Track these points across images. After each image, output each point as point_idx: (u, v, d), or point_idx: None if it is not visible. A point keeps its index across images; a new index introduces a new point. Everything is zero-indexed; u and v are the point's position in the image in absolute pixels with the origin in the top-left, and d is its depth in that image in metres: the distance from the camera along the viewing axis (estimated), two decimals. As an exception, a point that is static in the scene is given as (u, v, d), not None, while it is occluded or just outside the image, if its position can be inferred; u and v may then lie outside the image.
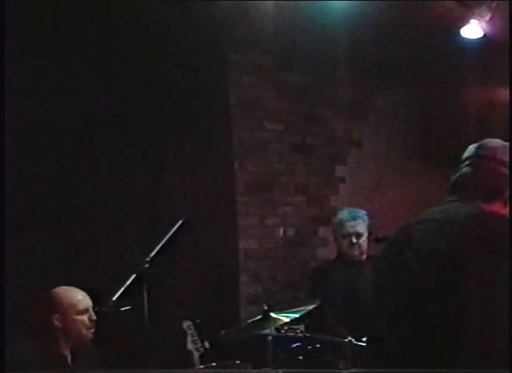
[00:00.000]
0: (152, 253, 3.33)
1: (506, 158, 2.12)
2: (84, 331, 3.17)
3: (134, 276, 3.25)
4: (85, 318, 3.17)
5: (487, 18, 4.37)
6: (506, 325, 1.80)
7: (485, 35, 4.49)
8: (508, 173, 2.10)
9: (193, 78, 4.67)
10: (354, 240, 4.42)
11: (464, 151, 2.26)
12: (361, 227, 4.45)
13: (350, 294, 4.29)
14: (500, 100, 5.42)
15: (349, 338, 3.65)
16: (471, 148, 2.22)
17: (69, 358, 3.21)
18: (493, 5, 4.27)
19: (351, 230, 4.42)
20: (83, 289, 3.31)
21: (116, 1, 4.04)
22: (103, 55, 4.24)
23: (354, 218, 4.44)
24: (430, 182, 6.31)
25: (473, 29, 4.48)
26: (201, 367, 3.77)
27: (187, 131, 4.68)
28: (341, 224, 4.44)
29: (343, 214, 4.51)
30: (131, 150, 4.46)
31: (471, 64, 4.98)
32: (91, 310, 3.21)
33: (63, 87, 4.10)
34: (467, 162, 2.19)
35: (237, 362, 3.65)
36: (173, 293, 4.37)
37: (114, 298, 3.15)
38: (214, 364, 3.73)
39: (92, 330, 3.21)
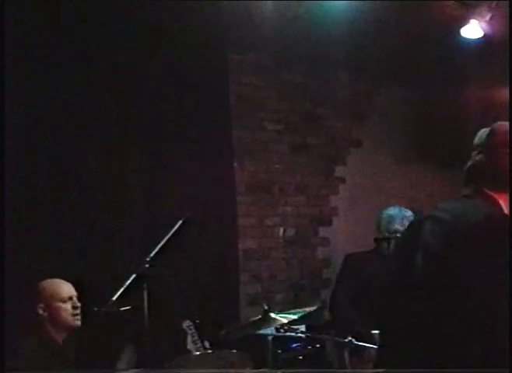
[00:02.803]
0: (152, 253, 3.33)
1: None
2: (69, 318, 3.22)
3: (134, 276, 3.26)
4: (68, 305, 3.22)
5: (487, 18, 4.37)
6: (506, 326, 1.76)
7: (485, 35, 4.49)
8: None
9: (193, 78, 4.67)
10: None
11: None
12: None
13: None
14: (500, 100, 5.42)
15: (349, 338, 3.65)
16: (482, 134, 2.11)
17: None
18: (493, 5, 4.28)
19: (398, 228, 4.41)
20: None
21: (116, 2, 4.04)
22: (103, 55, 4.24)
23: (402, 217, 4.43)
24: (430, 182, 6.31)
25: (473, 29, 4.49)
26: (197, 353, 3.81)
27: (187, 131, 4.68)
28: (389, 219, 4.45)
29: (394, 210, 4.51)
30: (131, 150, 4.46)
31: (471, 64, 4.98)
32: (75, 298, 3.27)
33: (62, 86, 4.10)
34: (478, 150, 2.08)
35: (234, 351, 3.65)
36: (173, 293, 4.37)
37: (114, 298, 3.16)
38: (210, 351, 3.79)
39: (78, 318, 3.25)
